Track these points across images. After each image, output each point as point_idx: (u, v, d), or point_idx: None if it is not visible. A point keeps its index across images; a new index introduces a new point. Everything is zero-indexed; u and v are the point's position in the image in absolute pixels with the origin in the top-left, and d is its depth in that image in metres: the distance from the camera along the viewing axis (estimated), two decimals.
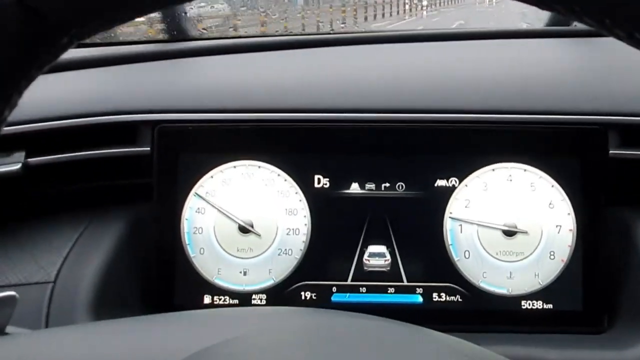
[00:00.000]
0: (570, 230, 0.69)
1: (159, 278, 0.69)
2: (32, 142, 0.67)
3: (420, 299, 0.69)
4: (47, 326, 0.60)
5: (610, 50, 0.81)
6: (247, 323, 0.36)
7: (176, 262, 0.69)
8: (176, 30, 0.86)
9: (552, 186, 0.70)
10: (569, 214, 0.70)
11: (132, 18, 0.28)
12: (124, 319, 0.37)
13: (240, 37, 0.94)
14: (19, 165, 0.65)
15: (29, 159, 0.67)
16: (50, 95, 0.71)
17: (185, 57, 0.82)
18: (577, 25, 0.90)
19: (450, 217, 0.70)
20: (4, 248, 0.66)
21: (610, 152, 0.70)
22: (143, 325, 0.34)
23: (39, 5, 0.26)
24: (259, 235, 0.70)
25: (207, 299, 0.70)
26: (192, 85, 0.76)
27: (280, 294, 0.69)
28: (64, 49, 0.28)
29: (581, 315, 0.68)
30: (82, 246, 0.67)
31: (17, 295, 0.32)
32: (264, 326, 0.35)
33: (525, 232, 0.70)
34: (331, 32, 0.95)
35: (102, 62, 0.80)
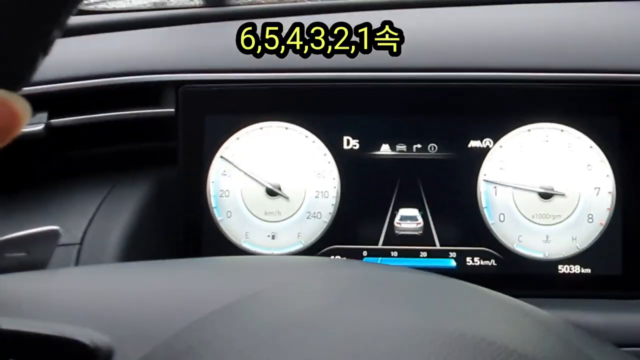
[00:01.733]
0: (610, 192, 0.67)
1: (186, 241, 0.68)
2: (54, 103, 0.66)
3: (453, 264, 0.67)
4: None
5: None
6: (291, 271, 0.34)
7: (203, 225, 0.68)
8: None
9: (591, 147, 0.67)
10: (608, 175, 0.67)
11: None
12: (170, 261, 0.36)
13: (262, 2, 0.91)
14: (41, 126, 0.64)
15: (52, 120, 0.65)
16: (73, 57, 0.70)
17: (207, 22, 0.80)
18: None
19: (484, 179, 0.68)
20: (30, 211, 0.65)
21: None
22: (187, 267, 0.33)
23: None
24: (287, 198, 0.68)
25: None
26: (216, 46, 0.74)
27: None
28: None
29: (620, 280, 0.66)
30: (107, 209, 0.66)
31: (60, 230, 0.31)
32: (311, 274, 0.33)
33: (562, 195, 0.67)
34: None
35: (126, 26, 0.78)
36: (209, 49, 0.73)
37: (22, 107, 0.25)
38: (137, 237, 0.64)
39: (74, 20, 0.81)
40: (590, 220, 0.67)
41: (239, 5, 0.83)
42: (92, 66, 0.69)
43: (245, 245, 0.68)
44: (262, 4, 0.87)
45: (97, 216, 0.65)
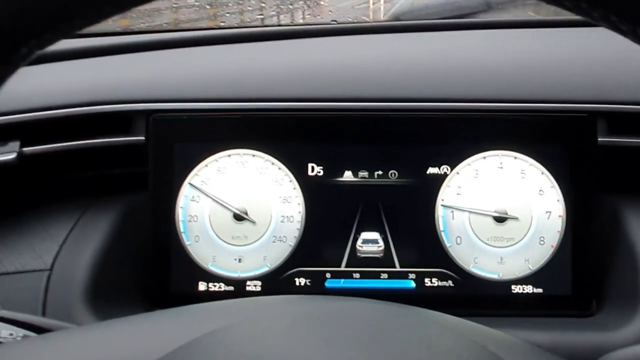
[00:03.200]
0: (560, 216, 0.71)
1: (155, 266, 0.70)
2: (27, 131, 0.67)
3: (412, 284, 0.70)
4: (43, 313, 0.61)
5: (596, 39, 0.82)
6: (232, 314, 0.36)
7: (171, 250, 0.70)
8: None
9: (542, 173, 0.71)
10: (558, 200, 0.71)
11: (92, 24, 0.27)
12: (104, 322, 0.38)
13: (234, 27, 0.94)
14: (14, 155, 0.66)
15: (24, 149, 0.67)
16: (44, 85, 0.72)
17: (180, 48, 0.83)
18: (564, 15, 0.91)
19: (442, 204, 0.71)
20: (1, 236, 0.66)
21: (599, 139, 0.71)
22: (123, 326, 0.35)
23: None
24: (254, 222, 0.71)
25: (202, 286, 0.70)
26: (186, 74, 0.76)
27: (275, 280, 0.70)
28: (24, 58, 0.27)
29: (570, 299, 0.70)
30: (78, 234, 0.67)
31: None
32: (248, 316, 0.36)
33: (515, 218, 0.71)
34: (327, 22, 0.95)
35: (96, 52, 0.80)
36: (179, 77, 0.75)
37: None
38: (107, 263, 0.66)
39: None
40: (542, 242, 0.71)
41: (197, 29, 0.86)
42: (64, 95, 0.71)
43: (213, 268, 0.70)
44: (222, 28, 0.90)
45: (68, 241, 0.66)
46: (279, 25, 0.92)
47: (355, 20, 0.94)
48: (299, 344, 0.33)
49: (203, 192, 0.70)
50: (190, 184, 0.71)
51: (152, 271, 0.70)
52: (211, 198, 0.70)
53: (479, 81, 0.74)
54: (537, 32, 0.88)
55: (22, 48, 0.26)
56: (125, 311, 0.65)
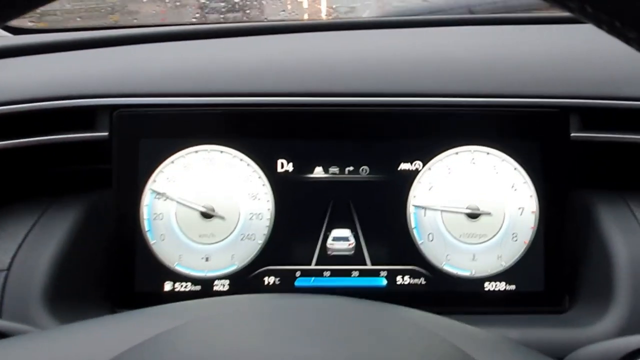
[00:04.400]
0: (533, 212, 0.70)
1: (119, 266, 0.68)
2: None
3: (384, 282, 0.69)
4: (0, 315, 0.59)
5: (570, 36, 0.82)
6: (192, 313, 0.35)
7: (136, 249, 0.68)
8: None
9: (515, 169, 0.71)
10: (531, 196, 0.70)
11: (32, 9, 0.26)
12: (58, 328, 0.37)
13: (200, 23, 0.93)
14: None
15: None
16: (4, 80, 0.69)
17: (144, 43, 0.81)
18: (538, 13, 0.91)
19: (413, 201, 0.70)
20: None
21: (572, 134, 0.70)
22: (79, 330, 0.34)
23: None
24: (223, 218, 0.69)
25: (167, 286, 0.68)
26: (151, 69, 0.74)
27: (243, 279, 0.69)
28: None
29: (543, 296, 0.69)
30: (38, 233, 0.65)
31: None
32: (207, 315, 0.34)
33: (488, 214, 0.70)
34: (294, 19, 0.94)
35: (59, 47, 0.78)
36: (143, 72, 0.73)
37: None
38: (68, 263, 0.64)
39: (6, 41, 0.80)
40: (515, 239, 0.70)
41: (162, 25, 0.84)
42: (25, 90, 0.68)
43: (179, 268, 0.69)
44: (187, 24, 0.88)
45: (27, 240, 0.64)
46: (246, 21, 0.90)
47: (326, 17, 0.93)
48: (261, 343, 0.32)
49: (166, 197, 0.68)
50: (155, 180, 0.69)
51: (116, 271, 0.67)
52: (175, 200, 0.68)
53: (452, 76, 0.73)
54: (510, 28, 0.87)
55: None
56: (87, 313, 0.63)
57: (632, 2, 0.23)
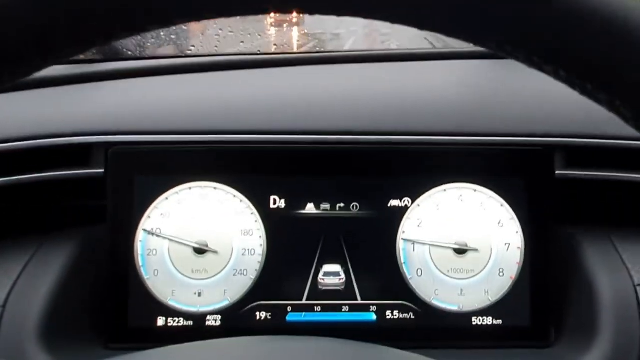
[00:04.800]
0: (519, 248, 0.72)
1: (112, 301, 0.69)
2: None
3: (373, 317, 0.70)
4: None
5: None
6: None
7: (130, 284, 0.69)
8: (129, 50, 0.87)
9: (502, 205, 0.72)
10: (517, 232, 0.72)
11: (60, 59, 0.27)
12: None
13: (193, 56, 0.94)
14: None
15: None
16: (1, 117, 0.70)
17: (138, 77, 0.82)
18: None
19: (403, 237, 0.72)
20: None
21: (557, 172, 0.72)
22: None
23: None
24: (216, 252, 0.70)
25: (160, 321, 0.69)
26: (145, 106, 0.76)
27: (235, 315, 0.70)
28: None
29: (529, 331, 0.71)
30: (32, 270, 0.66)
31: None
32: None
33: (475, 250, 0.72)
34: (284, 52, 0.96)
35: (54, 82, 0.79)
36: (138, 109, 0.75)
37: None
38: (63, 298, 0.65)
39: None
40: (501, 274, 0.72)
41: (156, 58, 0.85)
42: (20, 127, 0.70)
43: (172, 303, 0.69)
44: (181, 57, 0.90)
45: (22, 277, 0.65)
46: (239, 54, 0.92)
47: (311, 51, 0.95)
48: None
49: (158, 233, 0.69)
50: (149, 216, 0.70)
51: (110, 307, 0.68)
52: (168, 238, 0.70)
53: (439, 115, 0.75)
54: (495, 64, 0.90)
55: None
56: (82, 349, 0.64)
57: (600, 68, 0.24)
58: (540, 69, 0.26)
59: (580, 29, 0.24)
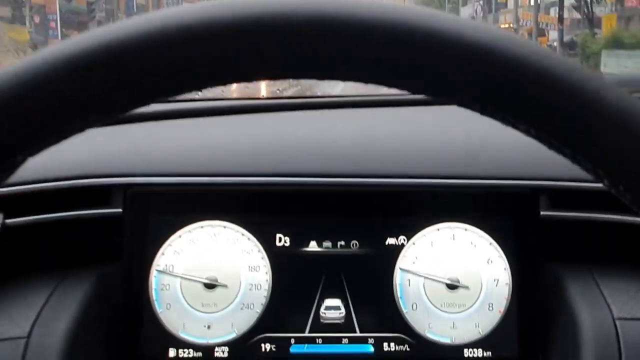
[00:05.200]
0: (507, 284, 0.77)
1: (127, 332, 0.73)
2: (10, 204, 0.71)
3: (371, 349, 0.75)
4: None
5: None
6: None
7: (144, 317, 0.74)
8: None
9: (490, 244, 0.78)
10: (505, 269, 0.77)
11: (81, 130, 0.30)
12: None
13: (201, 100, 1.01)
14: None
15: (7, 220, 0.71)
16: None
17: (152, 121, 0.88)
18: None
19: (399, 273, 0.77)
20: None
21: (541, 213, 0.78)
22: None
23: None
24: (226, 286, 0.75)
25: (172, 352, 0.74)
26: (160, 149, 0.82)
27: (242, 346, 0.74)
28: (19, 165, 0.29)
29: None
30: (54, 303, 0.70)
31: None
32: None
33: (466, 286, 0.77)
34: (289, 96, 1.03)
35: None
36: (154, 151, 0.81)
37: None
38: (82, 329, 0.69)
39: None
40: (491, 308, 0.77)
41: (170, 101, 0.91)
42: (46, 169, 0.75)
43: (183, 335, 0.74)
44: (191, 101, 0.96)
45: (45, 309, 0.69)
46: (247, 99, 0.99)
47: (314, 95, 1.02)
48: None
49: (173, 269, 0.74)
50: (163, 253, 0.75)
51: (125, 338, 0.73)
52: (180, 277, 0.75)
53: (432, 158, 0.81)
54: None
55: (17, 156, 0.29)
56: None
57: (569, 132, 0.29)
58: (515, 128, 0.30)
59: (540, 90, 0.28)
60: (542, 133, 0.29)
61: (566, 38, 20.95)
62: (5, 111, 0.27)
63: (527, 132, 0.30)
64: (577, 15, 24.32)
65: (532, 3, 27.38)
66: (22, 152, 0.29)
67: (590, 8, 20.42)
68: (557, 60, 0.28)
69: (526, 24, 26.04)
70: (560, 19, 20.52)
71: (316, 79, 0.29)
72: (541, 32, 23.12)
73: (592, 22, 20.07)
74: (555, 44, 20.12)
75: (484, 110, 0.30)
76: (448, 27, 0.27)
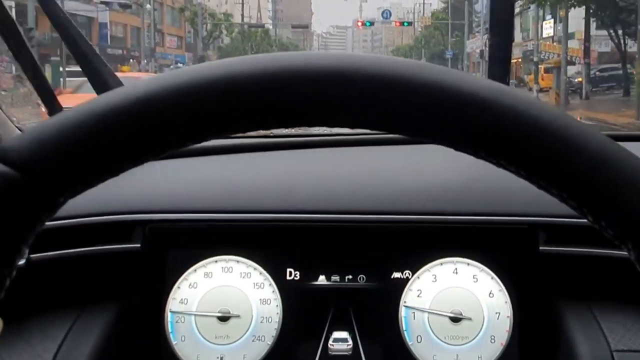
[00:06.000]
0: (508, 317, 0.80)
1: None
2: (35, 240, 0.75)
3: None
4: None
5: None
6: None
7: (160, 348, 0.77)
8: None
9: (492, 278, 0.81)
10: (506, 302, 0.80)
11: (124, 170, 0.32)
12: None
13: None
14: (23, 261, 0.73)
15: (32, 255, 0.75)
16: None
17: (167, 159, 0.93)
18: None
19: (404, 306, 0.80)
20: (4, 336, 0.72)
21: (540, 248, 0.81)
22: None
23: (34, 173, 0.30)
24: (239, 316, 0.78)
25: None
26: (178, 187, 0.86)
27: None
28: (60, 206, 0.32)
29: None
30: (75, 334, 0.74)
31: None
32: None
33: (469, 319, 0.80)
34: (295, 135, 1.08)
35: None
36: (172, 190, 0.85)
37: None
38: None
39: None
40: (493, 340, 0.80)
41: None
42: (70, 206, 0.79)
43: None
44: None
45: (66, 342, 0.73)
46: (255, 137, 1.04)
47: (322, 133, 1.07)
48: None
49: (187, 313, 0.78)
50: (179, 287, 0.79)
51: None
52: (194, 314, 0.78)
53: (436, 197, 0.85)
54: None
55: (60, 197, 0.31)
56: None
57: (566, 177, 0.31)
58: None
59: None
60: (530, 175, 0.32)
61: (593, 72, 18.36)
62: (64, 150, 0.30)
63: (518, 174, 0.33)
64: (604, 48, 21.99)
65: (542, 34, 25.51)
66: (66, 193, 0.32)
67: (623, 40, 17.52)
68: (542, 109, 0.31)
69: (546, 57, 23.79)
70: (587, 51, 18.14)
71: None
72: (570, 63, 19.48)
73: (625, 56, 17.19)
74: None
75: (476, 154, 0.33)
76: (450, 82, 0.31)
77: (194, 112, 0.31)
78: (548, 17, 25.89)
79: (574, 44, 22.12)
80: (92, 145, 0.31)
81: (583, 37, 18.96)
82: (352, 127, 0.33)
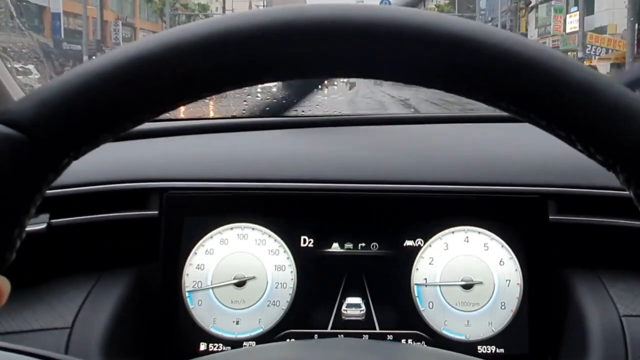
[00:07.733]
0: (518, 284, 0.81)
1: (162, 327, 0.78)
2: (55, 205, 0.77)
3: None
4: None
5: (545, 134, 0.96)
6: None
7: (177, 313, 0.79)
8: None
9: (502, 246, 0.83)
10: (516, 270, 0.82)
11: (125, 130, 0.32)
12: None
13: (231, 118, 1.08)
14: (44, 225, 0.75)
15: (52, 220, 0.77)
16: (73, 165, 0.82)
17: (187, 134, 0.95)
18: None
19: (416, 273, 0.81)
20: (26, 298, 0.74)
21: (550, 217, 0.83)
22: None
23: (40, 134, 0.30)
24: (255, 278, 0.80)
25: (202, 346, 0.79)
26: (196, 157, 0.87)
27: (268, 341, 0.79)
28: (65, 168, 0.32)
29: (529, 358, 0.79)
30: (95, 296, 0.76)
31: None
32: None
33: (480, 283, 0.81)
34: (319, 115, 1.11)
35: (123, 137, 0.91)
36: (190, 160, 0.87)
37: (3, 285, 0.31)
38: (120, 322, 0.74)
39: None
40: (503, 307, 0.81)
41: (208, 119, 0.98)
42: (90, 173, 0.81)
43: (213, 330, 0.79)
44: (227, 118, 1.03)
45: (87, 303, 0.75)
46: (277, 116, 1.05)
47: (334, 114, 1.09)
48: None
49: (204, 275, 0.79)
50: (196, 253, 0.80)
51: (160, 332, 0.78)
52: (210, 280, 0.79)
53: (449, 167, 0.86)
54: (499, 126, 1.02)
55: (64, 159, 0.31)
56: None
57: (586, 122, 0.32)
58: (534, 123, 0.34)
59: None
60: (520, 109, 0.32)
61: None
62: (64, 111, 0.30)
63: (508, 110, 0.33)
64: None
65: (566, 29, 22.72)
66: (71, 154, 0.31)
67: None
68: (525, 44, 0.31)
69: (596, 52, 19.50)
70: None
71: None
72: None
73: None
74: None
75: (467, 94, 0.33)
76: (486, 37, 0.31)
77: (193, 68, 0.31)
78: (573, 9, 23.34)
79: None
80: (95, 104, 0.31)
81: (616, 30, 16.95)
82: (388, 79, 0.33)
